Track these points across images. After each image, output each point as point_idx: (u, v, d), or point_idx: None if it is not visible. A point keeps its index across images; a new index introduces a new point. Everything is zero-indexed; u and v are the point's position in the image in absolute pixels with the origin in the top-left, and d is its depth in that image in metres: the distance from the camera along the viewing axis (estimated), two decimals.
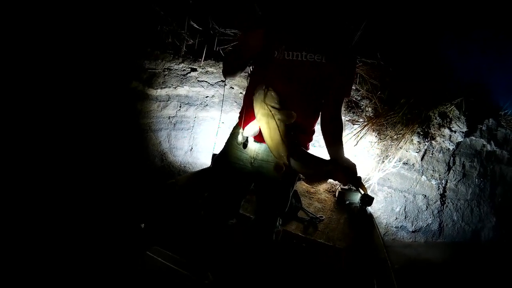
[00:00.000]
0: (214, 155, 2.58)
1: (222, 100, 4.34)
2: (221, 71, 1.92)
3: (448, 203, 4.76)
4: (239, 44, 1.80)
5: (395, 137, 4.42)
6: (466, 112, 4.44)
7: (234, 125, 1.92)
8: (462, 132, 4.44)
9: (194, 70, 4.21)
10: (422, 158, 4.54)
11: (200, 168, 3.72)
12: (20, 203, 2.56)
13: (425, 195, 4.68)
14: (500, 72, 5.21)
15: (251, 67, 1.95)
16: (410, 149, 4.47)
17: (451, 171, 4.68)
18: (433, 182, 4.63)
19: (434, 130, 4.43)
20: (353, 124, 4.58)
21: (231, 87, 4.50)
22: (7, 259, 1.81)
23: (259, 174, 1.82)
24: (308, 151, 1.75)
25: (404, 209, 4.67)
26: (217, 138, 3.76)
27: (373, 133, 4.53)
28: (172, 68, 4.09)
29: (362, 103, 4.61)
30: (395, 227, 4.69)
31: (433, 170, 4.60)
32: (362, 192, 1.57)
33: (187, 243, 2.02)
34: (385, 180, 4.62)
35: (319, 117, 1.78)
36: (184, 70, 4.17)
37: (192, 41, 4.16)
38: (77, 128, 3.39)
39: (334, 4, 1.69)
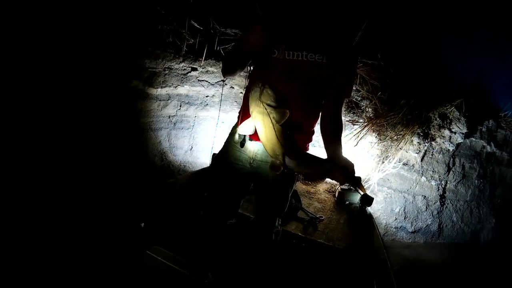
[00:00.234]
0: (214, 154, 2.58)
1: (221, 99, 4.34)
2: (221, 70, 1.91)
3: (448, 204, 4.76)
4: (238, 43, 1.78)
5: (395, 137, 4.43)
6: (466, 113, 4.45)
7: (234, 124, 1.92)
8: (462, 133, 4.45)
9: (194, 69, 4.21)
10: (422, 159, 4.54)
11: (200, 168, 3.72)
12: (20, 202, 2.56)
13: (425, 196, 4.68)
14: (500, 74, 5.22)
15: (251, 67, 1.94)
16: (410, 150, 4.48)
17: (451, 172, 4.69)
18: (433, 183, 4.64)
19: (434, 131, 4.43)
20: (353, 125, 4.58)
21: (231, 87, 4.50)
22: (7, 259, 1.81)
23: (258, 175, 1.81)
24: (308, 151, 1.74)
25: (404, 210, 4.68)
26: (216, 138, 3.79)
27: (373, 134, 4.53)
28: (172, 67, 4.09)
29: (362, 103, 4.61)
30: (395, 228, 4.70)
31: (432, 171, 4.61)
32: (361, 192, 1.54)
33: (187, 242, 2.02)
34: (385, 180, 4.63)
35: (319, 117, 1.77)
36: (184, 69, 4.17)
37: (192, 40, 4.15)
38: (78, 127, 3.39)
39: (334, 4, 1.68)
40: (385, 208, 4.68)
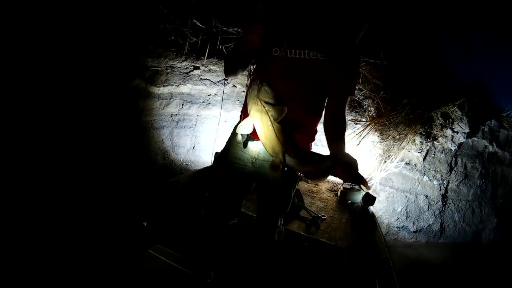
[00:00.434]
0: (216, 153, 2.58)
1: (222, 98, 4.33)
2: (223, 70, 1.90)
3: (450, 203, 4.76)
4: (239, 42, 1.74)
5: (397, 137, 4.42)
6: (469, 113, 4.44)
7: (236, 124, 1.91)
8: (464, 133, 4.44)
9: (197, 68, 4.21)
10: (424, 159, 4.54)
11: (203, 167, 3.72)
12: (21, 201, 2.57)
13: (427, 196, 4.68)
14: (503, 74, 5.22)
15: (253, 66, 1.93)
16: (412, 149, 4.47)
17: (453, 172, 4.68)
18: (435, 182, 4.63)
19: (436, 131, 4.43)
20: (356, 124, 4.58)
21: (233, 86, 4.50)
22: (7, 258, 1.81)
23: (260, 174, 1.80)
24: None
25: (406, 209, 4.68)
26: (218, 137, 3.79)
27: (376, 133, 4.53)
28: (175, 66, 4.09)
29: (365, 102, 4.61)
30: (397, 227, 4.70)
31: (435, 171, 4.60)
32: (364, 189, 1.51)
33: (189, 241, 2.02)
34: (387, 180, 4.63)
35: (323, 116, 1.75)
36: (187, 68, 4.17)
37: (195, 39, 4.15)
38: (80, 126, 3.39)
39: (336, 2, 1.68)
40: (387, 208, 4.67)
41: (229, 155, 1.86)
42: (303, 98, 1.65)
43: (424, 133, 4.42)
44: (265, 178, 1.81)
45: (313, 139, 1.83)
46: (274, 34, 1.64)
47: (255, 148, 1.74)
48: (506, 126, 4.84)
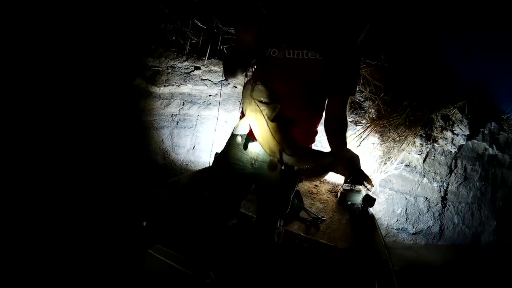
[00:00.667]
0: (216, 153, 2.57)
1: (220, 99, 4.34)
2: (222, 72, 1.88)
3: (449, 206, 4.76)
4: (235, 43, 1.72)
5: (397, 139, 4.43)
6: (469, 115, 4.45)
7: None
8: (465, 135, 4.45)
9: (197, 68, 4.21)
10: (424, 161, 4.55)
11: (203, 167, 3.72)
12: (21, 201, 2.57)
13: (426, 198, 4.68)
14: (503, 76, 5.22)
15: (253, 67, 1.91)
16: (412, 151, 4.48)
17: (453, 174, 4.68)
18: (435, 184, 4.63)
19: (436, 133, 4.43)
20: (356, 125, 4.58)
21: (234, 86, 4.50)
22: (7, 258, 1.81)
23: (260, 176, 1.79)
24: None
25: (405, 211, 4.68)
26: (216, 137, 3.79)
27: (376, 135, 4.53)
28: (175, 66, 4.09)
29: (365, 104, 4.62)
30: (396, 229, 4.70)
31: (434, 173, 4.60)
32: (368, 186, 1.46)
33: (189, 242, 2.02)
34: (387, 181, 4.63)
35: (324, 117, 1.73)
36: (187, 68, 4.17)
37: (196, 39, 4.16)
38: (81, 126, 3.39)
39: (335, 1, 1.67)
40: (386, 209, 4.68)
41: (229, 156, 1.85)
42: (303, 99, 1.64)
43: (424, 135, 4.42)
44: (264, 180, 1.80)
45: (313, 140, 1.81)
46: (272, 35, 1.62)
47: (254, 149, 1.73)
48: (506, 128, 4.85)
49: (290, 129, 1.41)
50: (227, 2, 4.12)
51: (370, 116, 4.57)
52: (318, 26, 1.63)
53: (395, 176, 4.60)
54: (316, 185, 4.22)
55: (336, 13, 1.67)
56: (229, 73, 1.78)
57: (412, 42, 4.82)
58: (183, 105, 4.36)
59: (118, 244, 2.00)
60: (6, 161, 2.83)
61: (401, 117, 4.34)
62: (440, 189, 4.67)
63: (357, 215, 3.35)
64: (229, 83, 4.42)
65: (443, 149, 4.53)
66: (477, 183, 4.85)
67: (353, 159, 1.39)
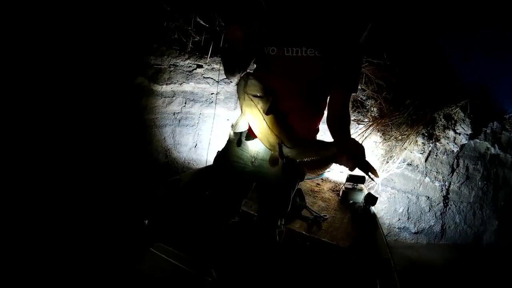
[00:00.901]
0: (218, 152, 2.58)
1: (216, 98, 4.34)
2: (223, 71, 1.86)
3: (451, 205, 4.75)
4: (227, 43, 1.69)
5: (399, 137, 4.42)
6: (471, 114, 4.44)
7: None
8: (467, 135, 4.44)
9: (200, 66, 4.21)
10: (426, 160, 4.54)
11: (205, 165, 3.73)
12: (22, 199, 2.57)
13: (428, 197, 4.67)
14: (506, 75, 5.19)
15: (254, 65, 1.90)
16: (414, 150, 4.47)
17: (455, 173, 4.67)
18: (437, 184, 4.63)
19: (438, 132, 4.42)
20: (358, 124, 4.58)
21: (236, 84, 4.50)
22: (8, 258, 1.81)
23: (260, 174, 1.79)
24: None
25: (407, 210, 4.68)
26: (214, 136, 3.79)
27: (378, 134, 4.53)
28: (178, 64, 4.09)
29: (367, 103, 4.61)
30: (398, 228, 4.70)
31: (436, 172, 4.60)
32: (372, 176, 1.41)
33: (191, 240, 2.02)
34: (389, 180, 4.63)
35: (326, 114, 1.72)
36: (190, 66, 4.17)
37: (198, 37, 4.15)
38: (83, 124, 3.39)
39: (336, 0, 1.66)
40: (388, 208, 4.67)
41: (229, 154, 1.85)
42: (303, 97, 1.64)
43: (426, 134, 4.42)
44: (265, 178, 1.80)
45: (315, 138, 1.81)
46: (270, 33, 1.63)
47: (254, 147, 1.73)
48: (509, 128, 4.82)
49: (287, 120, 1.37)
50: (229, 0, 4.11)
51: (372, 114, 4.56)
52: (317, 23, 1.63)
53: (397, 175, 4.60)
54: (318, 184, 4.23)
55: (336, 11, 1.66)
56: (228, 72, 1.77)
57: (415, 41, 4.81)
58: (185, 103, 4.37)
59: (119, 242, 2.00)
60: (7, 158, 2.84)
61: (403, 115, 4.34)
62: (442, 188, 4.66)
63: (359, 214, 3.35)
64: (231, 82, 4.42)
65: (445, 148, 4.52)
66: (479, 183, 4.83)
67: (358, 149, 1.32)
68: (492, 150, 4.78)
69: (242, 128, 1.44)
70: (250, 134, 1.64)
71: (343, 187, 3.82)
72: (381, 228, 3.04)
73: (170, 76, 4.09)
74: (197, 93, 4.38)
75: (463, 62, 5.02)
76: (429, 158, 4.55)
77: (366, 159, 1.33)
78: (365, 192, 3.61)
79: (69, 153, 3.27)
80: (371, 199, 3.26)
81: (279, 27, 1.64)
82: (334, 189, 4.13)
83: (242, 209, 2.44)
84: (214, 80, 4.34)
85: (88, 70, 3.36)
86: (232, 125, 1.98)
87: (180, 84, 4.19)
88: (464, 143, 4.51)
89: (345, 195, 3.71)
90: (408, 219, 4.68)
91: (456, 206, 4.78)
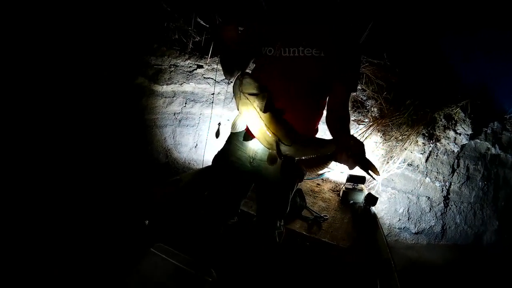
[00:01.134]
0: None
1: (213, 99, 4.33)
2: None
3: (452, 205, 4.75)
4: (222, 43, 1.67)
5: (400, 138, 4.42)
6: (472, 114, 4.43)
7: None
8: (467, 135, 4.43)
9: (200, 67, 4.21)
10: (426, 160, 4.53)
11: (205, 166, 3.73)
12: (22, 199, 2.57)
13: (429, 197, 4.67)
14: (506, 75, 5.19)
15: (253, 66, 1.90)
16: (414, 150, 4.47)
17: (455, 174, 4.67)
18: (437, 184, 4.62)
19: (439, 132, 4.42)
20: (359, 124, 4.58)
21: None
22: (8, 258, 1.82)
23: (258, 174, 1.80)
24: None
25: (408, 211, 4.67)
26: (210, 137, 3.79)
27: (378, 134, 4.53)
28: (178, 64, 4.10)
29: (367, 103, 4.61)
30: (398, 228, 4.69)
31: (437, 172, 4.59)
32: (373, 175, 1.38)
33: (191, 240, 2.02)
34: (389, 181, 4.62)
35: (325, 114, 1.70)
36: (190, 66, 4.17)
37: (198, 38, 4.16)
38: (83, 124, 3.40)
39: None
40: (389, 209, 4.67)
41: (228, 154, 1.85)
42: (301, 96, 1.64)
43: (426, 134, 4.42)
44: (263, 178, 1.81)
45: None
46: (266, 34, 1.63)
47: (252, 147, 1.74)
48: (509, 128, 4.82)
49: (283, 116, 1.34)
50: (229, 0, 4.11)
51: (373, 115, 4.56)
52: (317, 23, 1.62)
53: (398, 175, 4.59)
54: (318, 184, 4.23)
55: (335, 11, 1.66)
56: (226, 72, 1.77)
57: (415, 41, 4.81)
58: (185, 103, 4.37)
59: (120, 242, 2.00)
60: (8, 159, 2.84)
61: (404, 116, 4.34)
62: (443, 188, 4.66)
63: (359, 214, 3.35)
64: (231, 82, 4.41)
65: (445, 149, 4.52)
66: (480, 183, 4.83)
67: (357, 147, 1.29)
68: (493, 150, 4.78)
69: (240, 128, 1.43)
70: (248, 134, 1.62)
71: (344, 187, 3.82)
72: (381, 228, 3.04)
73: (171, 76, 4.09)
74: (197, 93, 4.38)
75: (463, 62, 5.02)
76: (430, 158, 4.55)
77: (366, 156, 1.31)
78: (366, 192, 3.61)
79: (70, 153, 3.27)
80: (372, 199, 3.27)
81: (279, 27, 1.63)
82: (335, 189, 4.13)
83: (242, 209, 2.45)
84: (215, 80, 4.34)
85: (89, 70, 3.36)
86: (219, 123, 1.98)
87: (181, 84, 4.19)
88: (464, 143, 4.50)
89: (346, 195, 3.72)
90: (408, 219, 4.68)
91: (456, 206, 4.77)
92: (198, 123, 4.55)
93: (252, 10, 3.80)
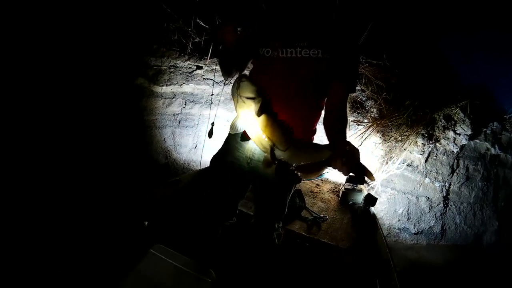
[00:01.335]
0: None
1: (211, 100, 4.33)
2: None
3: (451, 206, 4.75)
4: (221, 44, 1.69)
5: (399, 138, 4.42)
6: (471, 115, 4.43)
7: None
8: (467, 135, 4.43)
9: (199, 67, 4.22)
10: (426, 160, 4.53)
11: (204, 166, 3.73)
12: (22, 200, 2.57)
13: (428, 197, 4.67)
14: (505, 76, 5.19)
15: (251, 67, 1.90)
16: (414, 151, 4.47)
17: (455, 174, 4.67)
18: (437, 184, 4.62)
19: (438, 132, 4.42)
20: (358, 125, 4.58)
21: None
22: (8, 258, 1.81)
23: (256, 175, 1.79)
24: None
25: (407, 211, 4.67)
26: (208, 137, 3.79)
27: (378, 134, 4.52)
28: (178, 65, 4.10)
29: (367, 104, 4.61)
30: (398, 229, 4.69)
31: (436, 173, 4.59)
32: (369, 181, 1.36)
33: (191, 241, 2.02)
34: (389, 181, 4.62)
35: (324, 114, 1.70)
36: (189, 67, 4.17)
37: (198, 38, 4.16)
38: (83, 125, 3.40)
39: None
40: (388, 209, 4.67)
41: (226, 155, 1.85)
42: (299, 97, 1.64)
43: (426, 135, 4.42)
44: (261, 179, 1.80)
45: (312, 140, 1.82)
46: (268, 34, 1.63)
47: (250, 147, 1.74)
48: (509, 128, 4.82)
49: (281, 123, 1.33)
50: (229, 1, 4.11)
51: (372, 115, 4.56)
52: (316, 24, 1.63)
53: (397, 176, 4.59)
54: (317, 184, 4.23)
55: (333, 12, 1.66)
56: (225, 73, 1.77)
57: (414, 41, 4.81)
58: (185, 104, 4.37)
59: (119, 243, 2.00)
60: (8, 159, 2.84)
61: (403, 116, 4.34)
62: (442, 189, 4.66)
63: (358, 215, 3.35)
64: (230, 83, 4.42)
65: (445, 149, 4.52)
66: (479, 183, 4.83)
67: (353, 153, 1.27)
68: (492, 151, 4.78)
69: (239, 129, 1.43)
70: (246, 135, 1.60)
71: (343, 187, 3.81)
72: (381, 229, 3.03)
73: (170, 77, 4.09)
74: (197, 94, 4.38)
75: (463, 63, 5.03)
76: (429, 159, 4.55)
77: (362, 162, 1.30)
78: (365, 192, 3.61)
79: (70, 154, 3.27)
80: (371, 200, 3.26)
81: (278, 28, 1.64)
82: (334, 190, 4.13)
83: (241, 210, 2.45)
84: (214, 81, 4.34)
85: (88, 70, 3.37)
86: (212, 123, 1.99)
87: (180, 85, 4.19)
88: (464, 143, 4.50)
89: (345, 196, 3.71)
90: (408, 219, 4.68)
91: (456, 206, 4.77)
92: (197, 124, 4.55)
93: (251, 11, 3.81)
